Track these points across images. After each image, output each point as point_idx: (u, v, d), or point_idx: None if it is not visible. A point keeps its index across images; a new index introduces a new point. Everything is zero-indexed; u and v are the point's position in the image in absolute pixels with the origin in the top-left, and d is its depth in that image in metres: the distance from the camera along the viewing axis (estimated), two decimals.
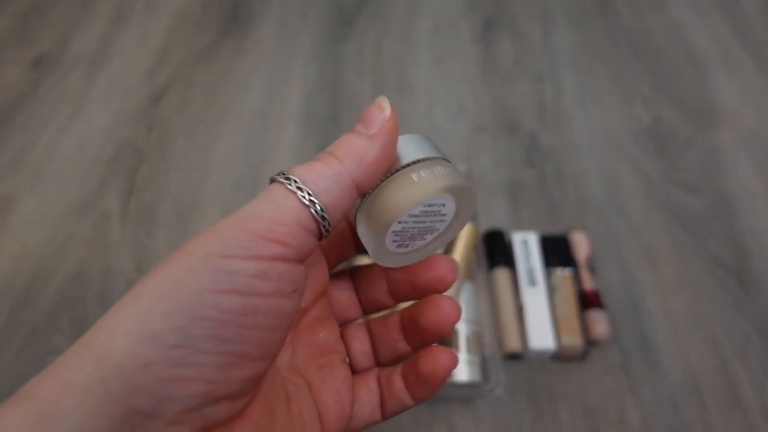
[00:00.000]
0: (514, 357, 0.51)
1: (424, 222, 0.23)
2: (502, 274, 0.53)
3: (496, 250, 0.56)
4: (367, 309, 0.27)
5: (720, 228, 0.59)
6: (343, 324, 0.27)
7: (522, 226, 0.59)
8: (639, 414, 0.48)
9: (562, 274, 0.54)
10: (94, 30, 0.82)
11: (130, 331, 0.17)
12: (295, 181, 0.19)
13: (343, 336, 0.27)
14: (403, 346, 0.25)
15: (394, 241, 0.23)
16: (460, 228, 0.25)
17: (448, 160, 0.24)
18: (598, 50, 0.78)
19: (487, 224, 0.60)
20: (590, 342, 0.51)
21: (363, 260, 0.47)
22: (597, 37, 0.80)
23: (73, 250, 0.58)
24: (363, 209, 0.23)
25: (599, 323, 0.51)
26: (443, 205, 0.23)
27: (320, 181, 0.20)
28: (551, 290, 0.53)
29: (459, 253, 0.50)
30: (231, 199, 0.62)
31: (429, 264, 0.25)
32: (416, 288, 0.25)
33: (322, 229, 0.20)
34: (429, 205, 0.23)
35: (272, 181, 0.20)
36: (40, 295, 0.55)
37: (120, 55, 0.78)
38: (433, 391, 0.24)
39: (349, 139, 0.21)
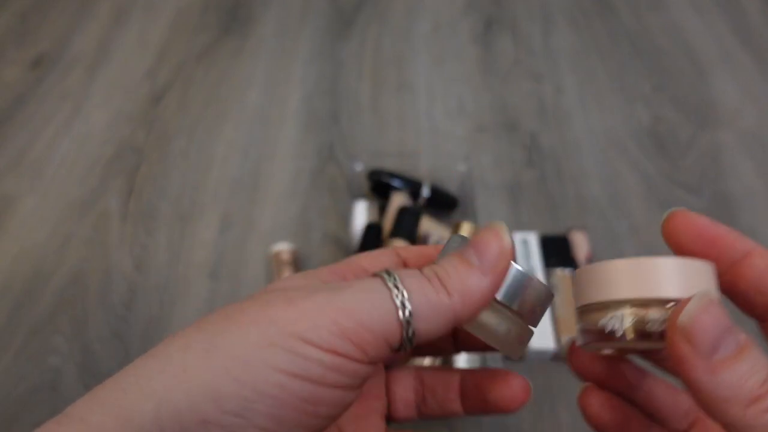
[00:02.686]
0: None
1: None
2: None
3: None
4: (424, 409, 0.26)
5: None
6: (390, 367, 0.26)
7: (522, 227, 0.59)
8: None
9: (563, 274, 0.54)
10: (93, 30, 0.82)
11: (198, 385, 0.17)
12: (403, 295, 0.19)
13: (387, 379, 0.26)
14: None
15: None
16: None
17: (530, 327, 0.23)
18: (598, 50, 0.78)
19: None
20: None
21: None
22: (597, 37, 0.80)
23: (73, 250, 0.58)
24: None
25: None
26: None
27: (425, 307, 0.19)
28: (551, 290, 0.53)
29: None
30: (231, 199, 0.62)
31: (502, 381, 0.24)
32: (488, 405, 0.24)
33: (403, 347, 0.20)
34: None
35: (378, 275, 0.20)
36: (39, 294, 0.55)
37: (120, 55, 0.78)
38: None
39: (460, 269, 0.20)
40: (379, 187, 0.58)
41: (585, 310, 0.21)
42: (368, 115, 0.71)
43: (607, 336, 0.20)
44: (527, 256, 0.55)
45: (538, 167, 0.65)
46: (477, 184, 0.63)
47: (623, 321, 0.19)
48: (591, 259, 0.55)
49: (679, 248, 0.21)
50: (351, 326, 0.18)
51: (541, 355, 0.50)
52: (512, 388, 0.23)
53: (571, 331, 0.50)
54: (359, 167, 0.60)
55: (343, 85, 0.74)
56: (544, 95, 0.72)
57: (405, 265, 0.24)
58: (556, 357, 0.50)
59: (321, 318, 0.18)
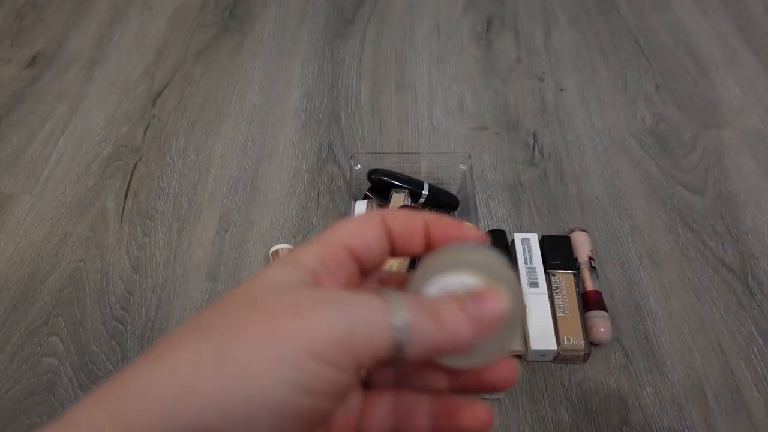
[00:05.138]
0: (515, 358, 0.50)
1: None
2: None
3: (497, 250, 0.55)
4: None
5: (723, 227, 0.58)
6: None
7: (523, 227, 0.59)
8: (641, 416, 0.47)
9: (564, 274, 0.53)
10: (91, 28, 0.81)
11: (209, 400, 0.17)
12: (402, 320, 0.20)
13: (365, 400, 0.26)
14: (423, 421, 0.24)
15: None
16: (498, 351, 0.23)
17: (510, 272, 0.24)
18: (600, 48, 0.77)
19: (487, 225, 0.59)
20: (592, 343, 0.50)
21: None
22: (599, 36, 0.79)
23: (70, 251, 0.57)
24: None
25: (601, 324, 0.50)
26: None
27: (418, 335, 0.20)
28: (553, 291, 0.52)
29: None
30: (229, 199, 0.62)
31: (469, 408, 0.24)
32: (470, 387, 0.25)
33: (389, 364, 0.21)
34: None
35: (383, 296, 0.21)
36: (36, 295, 0.54)
37: (117, 53, 0.78)
38: None
39: (456, 313, 0.21)
40: (379, 187, 0.58)
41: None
42: (368, 114, 0.70)
43: None
44: (529, 256, 0.54)
45: (539, 166, 0.64)
46: (478, 184, 0.62)
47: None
48: (593, 259, 0.55)
49: None
50: (353, 345, 0.19)
51: (542, 356, 0.49)
52: (479, 414, 0.24)
53: (572, 331, 0.50)
54: (359, 167, 0.60)
55: (343, 84, 0.74)
56: (545, 94, 0.72)
57: (391, 235, 0.24)
58: (556, 357, 0.50)
59: (327, 335, 0.19)
